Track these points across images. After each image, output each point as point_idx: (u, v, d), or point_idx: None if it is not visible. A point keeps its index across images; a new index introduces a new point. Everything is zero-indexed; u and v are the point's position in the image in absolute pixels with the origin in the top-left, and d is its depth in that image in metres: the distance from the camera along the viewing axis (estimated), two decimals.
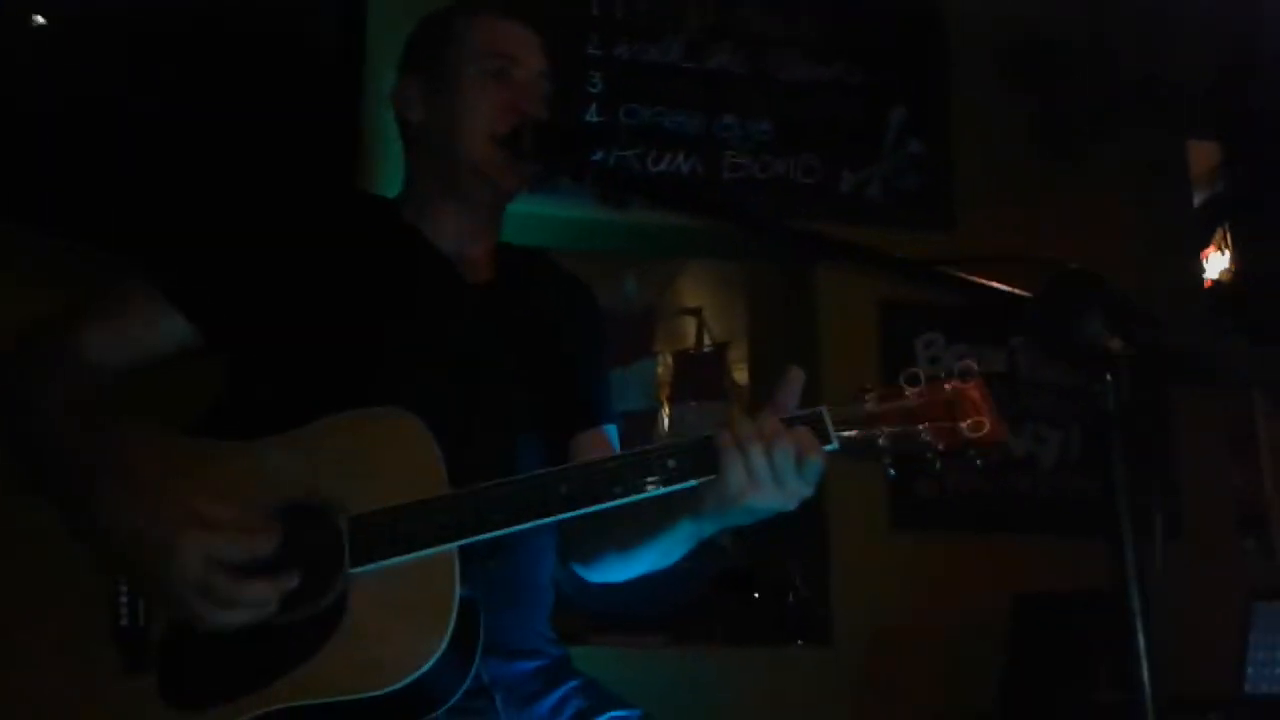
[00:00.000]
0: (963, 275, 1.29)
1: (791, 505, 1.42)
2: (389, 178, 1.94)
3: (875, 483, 3.69)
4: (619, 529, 1.65)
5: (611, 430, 1.85)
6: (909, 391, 1.42)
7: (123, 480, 1.47)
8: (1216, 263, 4.82)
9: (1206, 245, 4.80)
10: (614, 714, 1.64)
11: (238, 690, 1.40)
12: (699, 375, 5.48)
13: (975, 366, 1.42)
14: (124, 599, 1.49)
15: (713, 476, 1.42)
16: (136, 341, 1.69)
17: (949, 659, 3.48)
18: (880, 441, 1.42)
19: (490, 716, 1.55)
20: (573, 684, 1.68)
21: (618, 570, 1.73)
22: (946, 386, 1.42)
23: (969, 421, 1.40)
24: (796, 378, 1.47)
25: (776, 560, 3.79)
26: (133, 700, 1.45)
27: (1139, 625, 1.00)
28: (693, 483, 1.43)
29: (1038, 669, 3.12)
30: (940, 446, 1.41)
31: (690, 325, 5.80)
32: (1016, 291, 1.21)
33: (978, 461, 1.40)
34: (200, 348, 1.71)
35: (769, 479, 1.39)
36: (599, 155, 3.70)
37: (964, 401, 1.41)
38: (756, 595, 3.82)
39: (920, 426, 1.41)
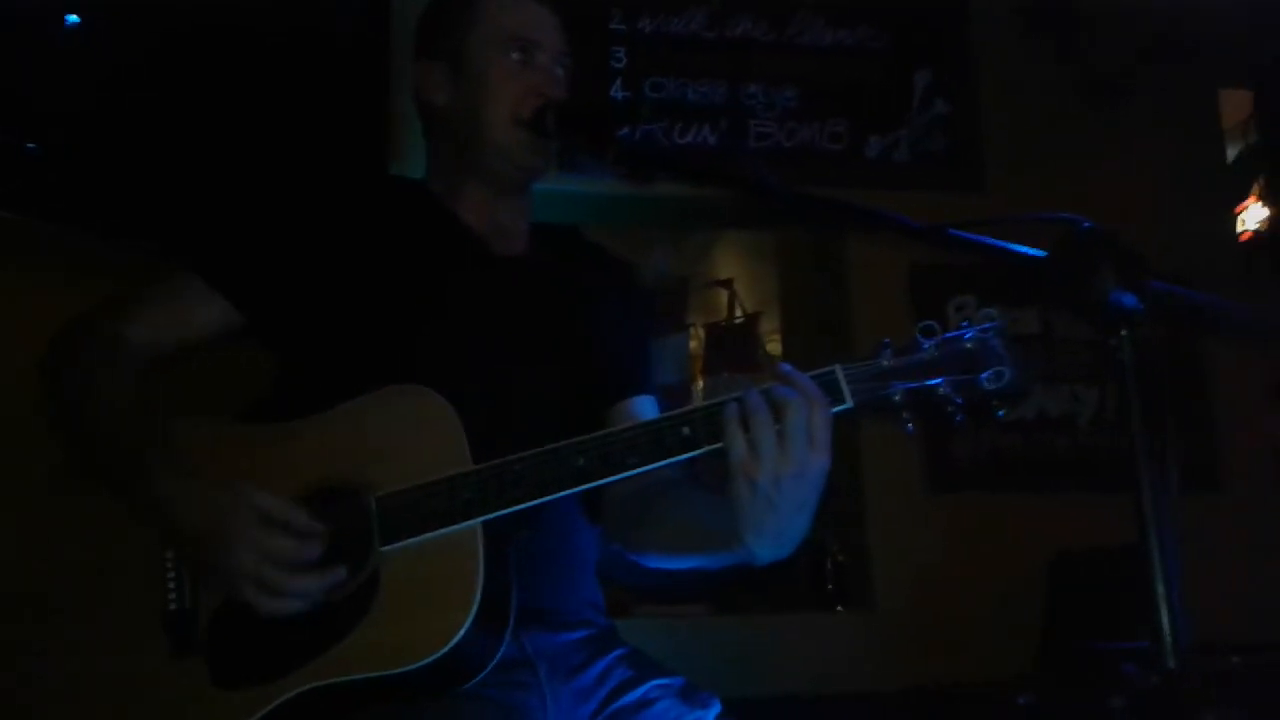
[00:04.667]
0: (980, 238, 1.29)
1: (804, 483, 1.35)
2: (418, 161, 1.97)
3: (910, 446, 3.70)
4: (674, 538, 1.65)
5: (648, 401, 1.85)
6: (926, 344, 1.39)
7: (176, 468, 1.52)
8: (1255, 214, 4.77)
9: (1244, 197, 4.76)
10: (656, 682, 1.66)
11: (280, 669, 1.45)
12: (732, 346, 5.49)
13: (995, 314, 1.38)
14: (172, 583, 1.54)
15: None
16: (180, 325, 1.73)
17: (991, 618, 3.49)
18: (896, 398, 1.38)
19: (534, 689, 1.58)
20: (616, 653, 1.70)
21: (663, 563, 1.71)
22: (966, 337, 1.38)
23: (989, 372, 1.36)
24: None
25: (813, 528, 3.81)
26: (182, 682, 1.50)
27: (1158, 574, 1.02)
28: (708, 449, 1.40)
29: (1078, 624, 3.13)
30: (959, 400, 1.37)
31: (722, 297, 5.80)
32: (1031, 252, 1.21)
33: (999, 413, 1.36)
34: (241, 328, 1.74)
35: (772, 446, 1.34)
36: (625, 130, 3.72)
37: (985, 352, 1.36)
38: (794, 563, 3.84)
39: (938, 380, 1.37)
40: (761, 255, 5.47)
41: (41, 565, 1.66)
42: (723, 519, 1.41)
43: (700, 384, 5.56)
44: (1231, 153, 4.66)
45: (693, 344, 5.76)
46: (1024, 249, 1.24)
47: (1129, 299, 1.10)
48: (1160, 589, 1.02)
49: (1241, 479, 3.91)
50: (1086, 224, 1.14)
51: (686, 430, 1.42)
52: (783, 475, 1.34)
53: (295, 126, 2.81)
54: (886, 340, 1.41)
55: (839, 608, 3.69)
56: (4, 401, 1.97)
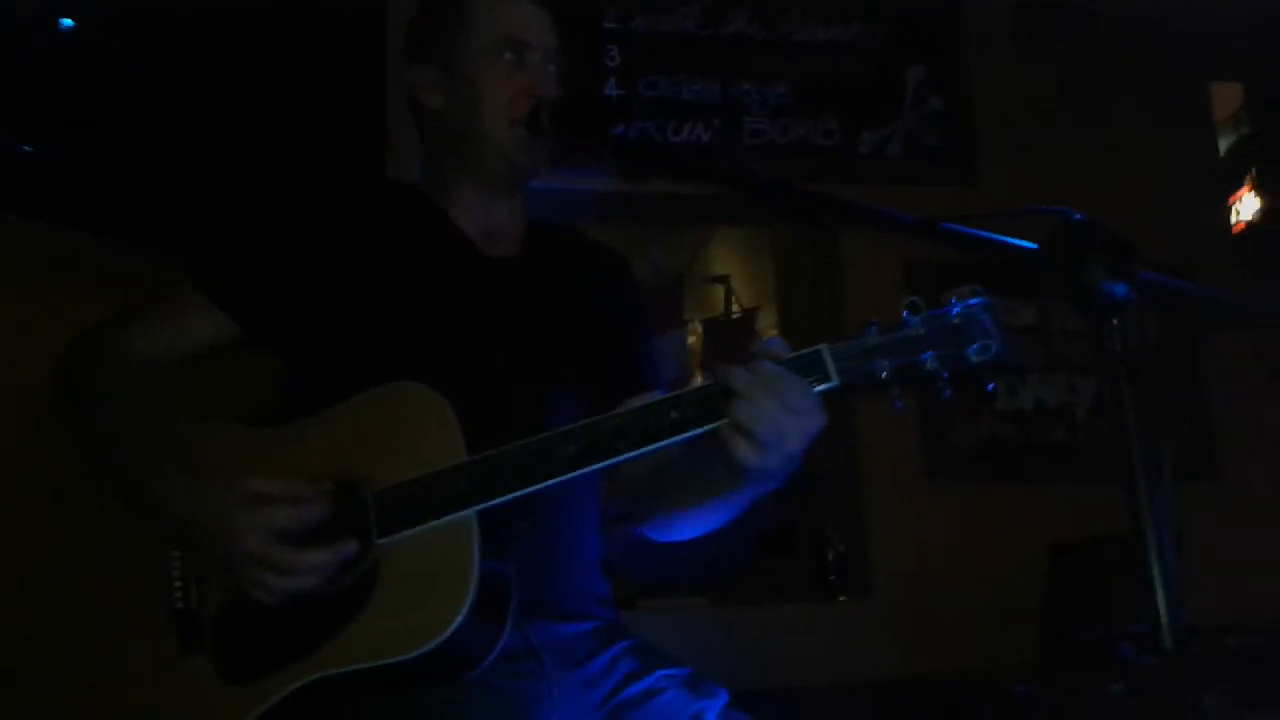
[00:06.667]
0: (972, 231, 1.31)
1: (799, 446, 1.40)
2: (416, 163, 1.98)
3: (908, 436, 3.73)
4: (684, 489, 1.68)
5: (660, 395, 1.87)
6: (912, 321, 1.41)
7: (178, 468, 1.56)
8: (1249, 204, 4.80)
9: (1238, 188, 4.78)
10: (663, 672, 1.68)
11: (283, 662, 1.48)
12: (730, 342, 5.51)
13: (980, 288, 1.40)
14: (178, 583, 1.58)
15: (714, 425, 1.42)
16: (181, 338, 1.77)
17: (990, 607, 3.51)
18: (884, 375, 1.40)
19: (539, 678, 1.61)
20: (623, 644, 1.73)
21: (686, 528, 1.75)
22: (953, 313, 1.40)
23: (976, 345, 1.37)
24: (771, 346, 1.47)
25: (813, 518, 3.84)
26: (191, 679, 1.53)
27: (1153, 557, 1.05)
28: (698, 431, 1.43)
29: (1078, 613, 3.15)
30: (946, 374, 1.39)
31: (719, 292, 5.83)
32: (1022, 244, 1.23)
33: (990, 386, 1.38)
34: (241, 340, 1.77)
35: (766, 426, 1.37)
36: (619, 128, 3.74)
37: (971, 326, 1.38)
38: (795, 553, 3.88)
39: (925, 355, 1.39)
40: (757, 251, 5.49)
41: (53, 569, 1.70)
42: (723, 464, 1.46)
43: (699, 379, 5.58)
44: (1224, 145, 4.68)
45: (691, 340, 5.79)
46: (1015, 241, 1.26)
47: (1119, 288, 1.12)
48: (1155, 571, 1.04)
49: (1239, 467, 3.93)
50: (1076, 216, 1.16)
51: (675, 414, 1.44)
52: (783, 443, 1.39)
53: (292, 131, 2.83)
54: (873, 320, 1.43)
55: (839, 598, 3.71)
56: (12, 407, 2.00)
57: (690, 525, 1.74)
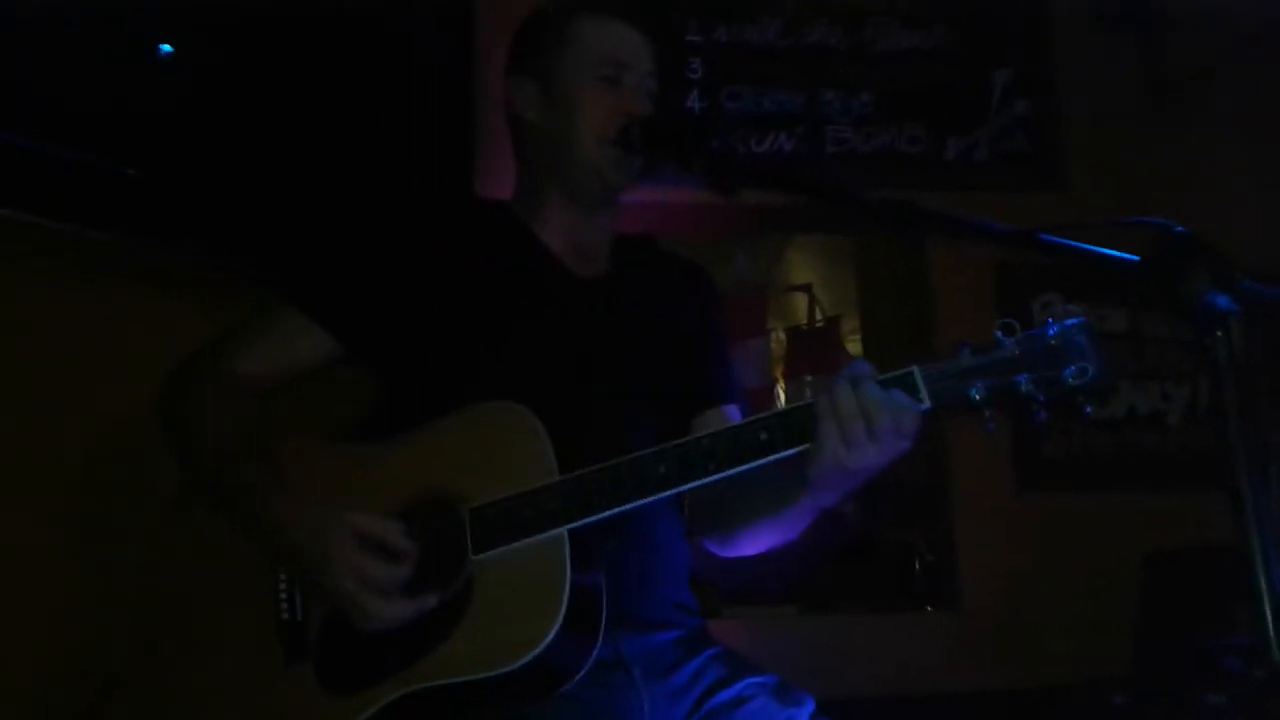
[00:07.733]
0: (1071, 243, 1.31)
1: (885, 460, 1.43)
2: (503, 179, 2.02)
3: (999, 445, 3.68)
4: (745, 505, 1.71)
5: (733, 410, 1.89)
6: (1006, 343, 1.40)
7: (281, 491, 1.61)
8: None
9: None
10: (750, 680, 1.70)
11: (383, 674, 1.52)
12: (813, 350, 5.50)
13: (1078, 310, 1.39)
14: (284, 596, 1.63)
15: (805, 446, 1.44)
16: (282, 357, 1.81)
17: (1080, 618, 3.46)
18: (977, 397, 1.40)
19: (629, 689, 1.63)
20: (710, 653, 1.74)
21: (748, 544, 1.78)
22: (1050, 334, 1.39)
23: (1073, 368, 1.37)
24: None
25: (900, 528, 3.82)
26: (295, 688, 1.58)
27: (1260, 571, 1.04)
28: (786, 453, 1.46)
29: (1173, 623, 3.10)
30: (1041, 397, 1.38)
31: (801, 301, 5.82)
32: (1123, 255, 1.23)
33: (1087, 409, 1.37)
34: (341, 358, 1.82)
35: (865, 442, 1.40)
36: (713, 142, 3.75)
37: (1068, 347, 1.38)
38: (882, 564, 3.85)
39: (1020, 378, 1.39)
40: (839, 260, 5.48)
41: (164, 579, 1.76)
42: (786, 479, 1.51)
43: (782, 387, 5.58)
44: None
45: (774, 348, 5.79)
46: (1116, 253, 1.25)
47: (1223, 300, 1.11)
48: (1263, 583, 1.03)
49: None
50: (1178, 228, 1.16)
51: (764, 435, 1.47)
52: (874, 464, 1.42)
53: (383, 146, 2.88)
54: (965, 341, 1.43)
55: (928, 608, 3.68)
56: (125, 421, 2.07)
57: (752, 542, 1.77)
